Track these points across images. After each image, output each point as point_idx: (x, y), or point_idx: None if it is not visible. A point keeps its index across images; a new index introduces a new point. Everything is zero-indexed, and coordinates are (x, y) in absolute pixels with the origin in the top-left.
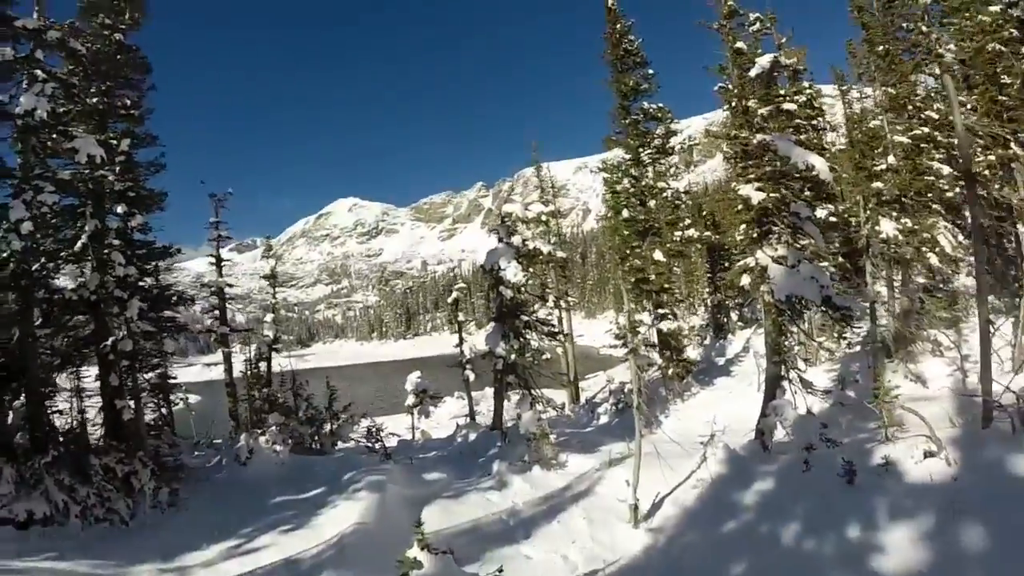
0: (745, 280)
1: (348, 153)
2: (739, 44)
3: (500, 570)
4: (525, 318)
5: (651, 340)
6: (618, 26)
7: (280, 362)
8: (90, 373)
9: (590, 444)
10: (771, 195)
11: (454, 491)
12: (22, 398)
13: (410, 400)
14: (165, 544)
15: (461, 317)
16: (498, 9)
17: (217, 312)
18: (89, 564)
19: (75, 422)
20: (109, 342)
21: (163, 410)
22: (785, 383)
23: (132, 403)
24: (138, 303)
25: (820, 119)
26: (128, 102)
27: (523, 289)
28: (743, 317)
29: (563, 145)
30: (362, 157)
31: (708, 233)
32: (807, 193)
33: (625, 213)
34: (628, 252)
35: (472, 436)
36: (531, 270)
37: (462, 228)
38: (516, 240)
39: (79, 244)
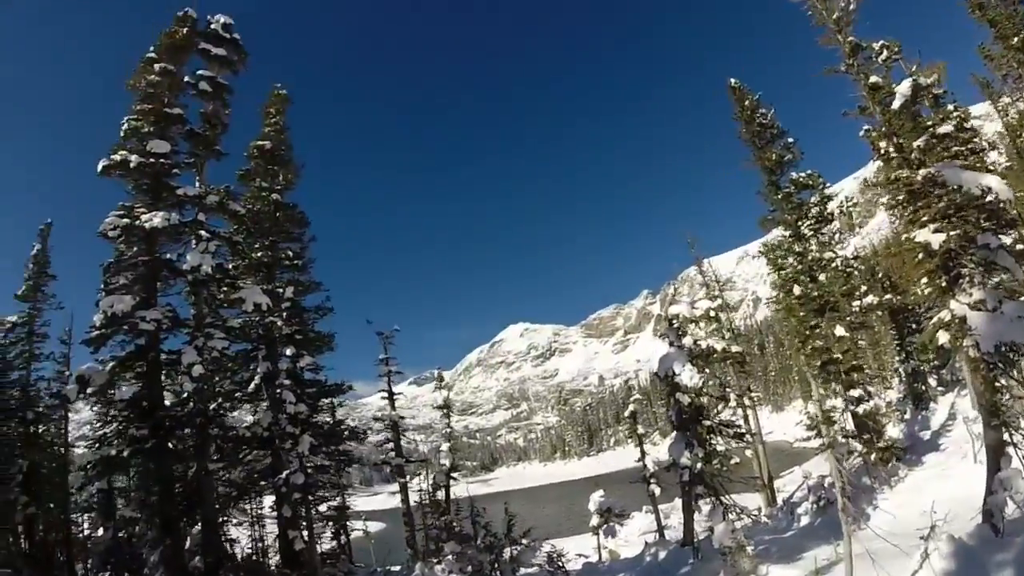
0: (943, 338)
1: (514, 279)
2: (872, 79)
3: None
4: (707, 423)
5: (846, 426)
6: (746, 103)
7: (463, 488)
8: (269, 503)
9: (791, 550)
10: (952, 233)
11: None
12: (198, 526)
13: (594, 520)
14: None
15: (641, 429)
16: (643, 112)
17: (392, 444)
18: None
19: (253, 550)
20: (283, 476)
21: (340, 539)
22: (1010, 449)
23: (305, 533)
24: (309, 439)
25: (977, 140)
26: (291, 253)
27: (701, 392)
28: (943, 381)
29: (722, 237)
30: (528, 281)
31: (888, 296)
32: (986, 224)
33: (796, 290)
34: (807, 333)
35: (662, 554)
36: (707, 371)
37: (633, 339)
38: (687, 341)
39: (252, 385)
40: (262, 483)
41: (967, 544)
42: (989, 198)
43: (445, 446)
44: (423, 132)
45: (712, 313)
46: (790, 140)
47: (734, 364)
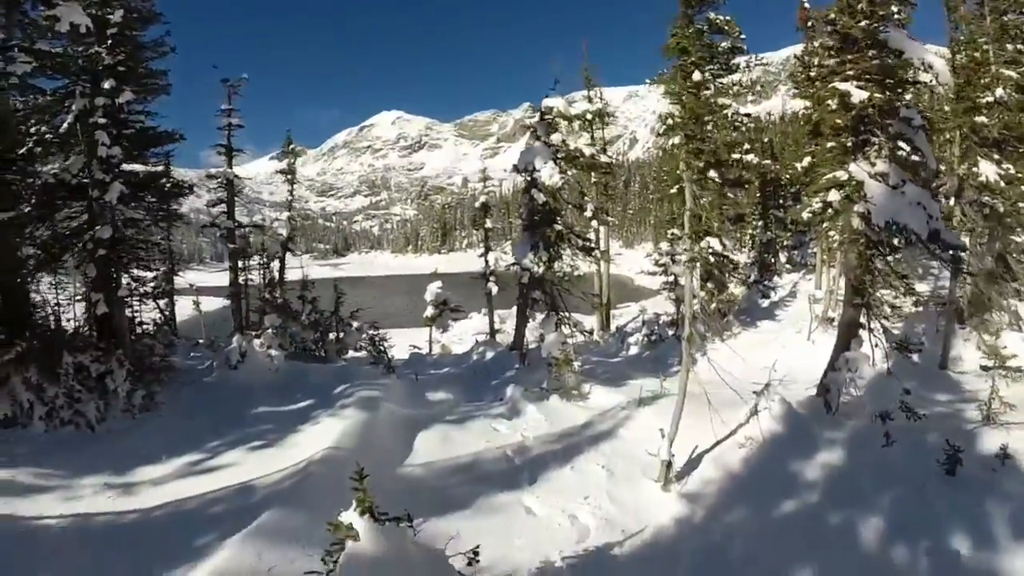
0: (834, 196)
1: (395, 66)
2: None
3: (477, 550)
4: (558, 227)
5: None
6: None
7: (312, 269)
8: None
9: (618, 376)
10: (876, 95)
11: (459, 415)
12: None
13: (428, 311)
14: (125, 453)
15: (489, 224)
16: None
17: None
18: (34, 473)
19: (55, 316)
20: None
21: (164, 311)
22: (864, 333)
23: (108, 298)
24: (120, 186)
25: None
26: None
27: (559, 196)
28: (792, 260)
29: (615, 71)
30: (408, 70)
31: (768, 162)
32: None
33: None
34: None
35: (489, 355)
36: (569, 174)
37: (506, 148)
38: (555, 138)
39: (65, 124)
40: (74, 242)
41: (799, 412)
42: (926, 77)
43: (284, 215)
44: None
45: (588, 116)
46: None
47: (599, 177)
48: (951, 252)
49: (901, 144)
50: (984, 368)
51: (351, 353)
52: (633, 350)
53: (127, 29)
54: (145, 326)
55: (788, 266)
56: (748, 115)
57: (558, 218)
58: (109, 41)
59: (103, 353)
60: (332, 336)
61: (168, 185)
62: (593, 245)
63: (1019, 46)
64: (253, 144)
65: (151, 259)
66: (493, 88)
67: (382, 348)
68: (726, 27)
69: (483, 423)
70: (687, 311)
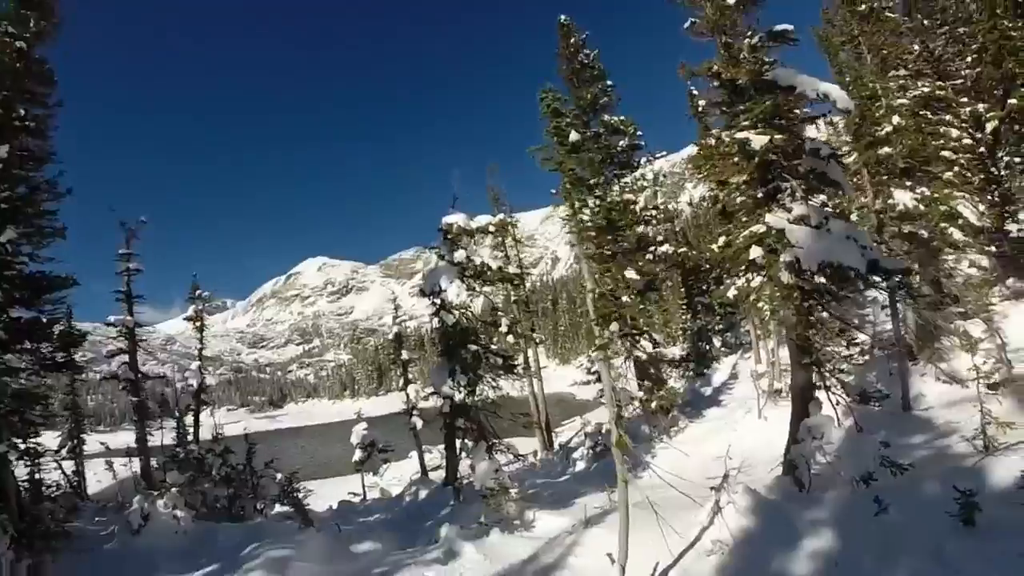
0: (756, 253)
1: (315, 213)
2: None
3: None
4: (474, 348)
5: (628, 375)
6: (572, 40)
7: (246, 423)
8: None
9: (565, 496)
10: (777, 137)
11: (387, 566)
12: None
13: (357, 455)
14: None
15: (405, 355)
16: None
17: (127, 357)
18: None
19: None
20: None
21: (68, 474)
22: (820, 393)
23: None
24: None
25: None
26: (23, 113)
27: (469, 314)
28: (726, 343)
29: (530, 196)
30: (330, 216)
31: (684, 249)
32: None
33: (587, 214)
34: (597, 277)
35: (423, 493)
36: (479, 290)
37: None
38: (459, 255)
39: None
40: None
41: (768, 499)
42: (821, 108)
43: (194, 365)
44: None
45: (491, 228)
46: (609, 84)
47: (513, 290)
48: (897, 279)
49: (814, 181)
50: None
51: (277, 508)
52: (580, 465)
53: (15, 168)
54: (50, 489)
55: (724, 349)
56: (656, 208)
57: (472, 339)
58: None
59: None
60: (247, 492)
61: (55, 332)
62: (516, 362)
63: (902, 72)
64: (180, 298)
65: (44, 416)
66: (416, 224)
67: (297, 500)
68: (621, 126)
69: (415, 573)
70: (609, 412)
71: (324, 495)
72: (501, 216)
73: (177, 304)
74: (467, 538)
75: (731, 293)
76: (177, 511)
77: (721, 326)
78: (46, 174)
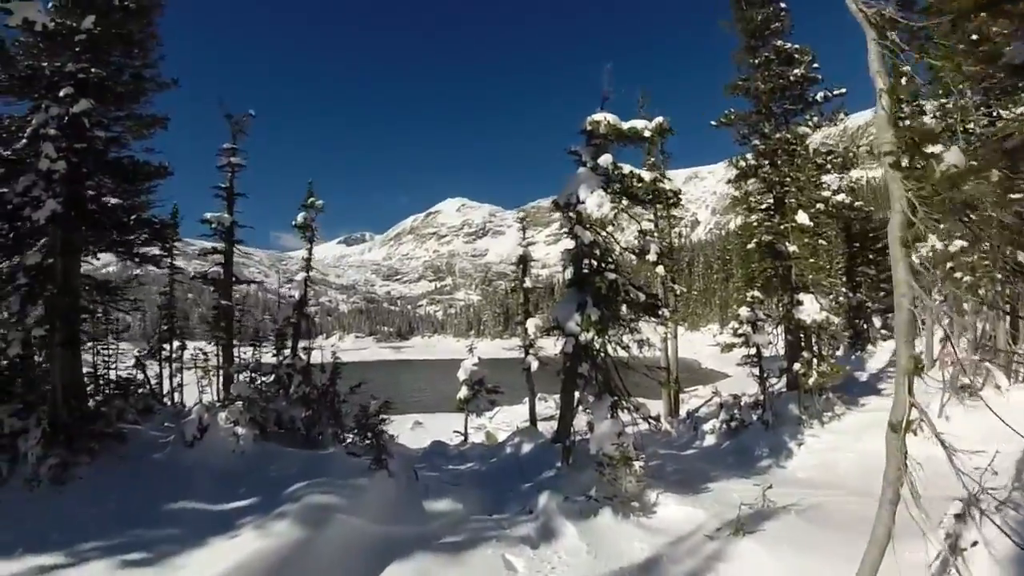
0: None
1: (461, 155)
2: None
3: None
4: (612, 276)
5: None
6: None
7: (374, 351)
8: None
9: (694, 477)
10: None
11: (462, 535)
12: None
13: (462, 392)
14: None
15: (533, 290)
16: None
17: (223, 257)
18: None
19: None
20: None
21: (147, 376)
22: None
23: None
24: (54, 205)
25: None
26: None
27: (611, 236)
28: (887, 326)
29: (677, 155)
30: (475, 159)
31: (860, 203)
32: None
33: (752, 185)
34: (755, 226)
35: (526, 447)
36: (624, 203)
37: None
38: (605, 160)
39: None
40: None
41: None
42: None
43: (299, 276)
44: None
45: (647, 132)
46: (782, 5)
47: (664, 211)
48: None
49: None
50: None
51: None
52: (709, 440)
53: (105, 42)
54: (126, 388)
55: (884, 331)
56: (830, 152)
57: (611, 265)
58: (77, 48)
59: (25, 406)
60: (327, 416)
61: (133, 221)
62: (660, 301)
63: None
64: (323, 228)
65: (123, 308)
66: (556, 176)
67: (374, 431)
68: (796, 54)
69: (494, 552)
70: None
71: (432, 429)
72: (659, 119)
73: (318, 233)
74: (570, 515)
75: (914, 259)
76: (238, 427)
77: (882, 305)
78: (152, 64)
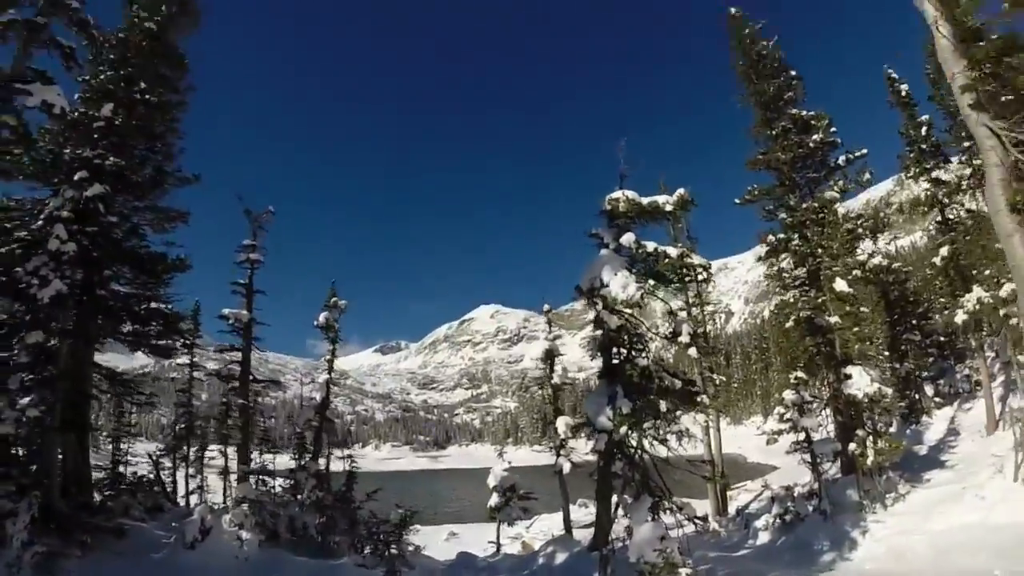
0: None
1: (494, 262)
2: None
3: None
4: (643, 363)
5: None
6: (746, 31)
7: (411, 460)
8: None
9: None
10: None
11: None
12: None
13: (493, 500)
14: None
15: (562, 388)
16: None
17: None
18: None
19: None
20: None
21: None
22: None
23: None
24: (59, 285)
25: None
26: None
27: (637, 318)
28: (939, 392)
29: (704, 246)
30: (507, 266)
31: (898, 264)
32: None
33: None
34: (792, 303)
35: (560, 558)
36: (649, 285)
37: None
38: (627, 239)
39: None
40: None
41: None
42: None
43: (321, 377)
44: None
45: (668, 207)
46: (792, 74)
47: (695, 282)
48: None
49: None
50: None
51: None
52: (763, 537)
53: (126, 133)
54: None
55: (937, 399)
56: (860, 216)
57: (642, 350)
58: (95, 136)
59: (17, 491)
60: (344, 524)
61: (145, 311)
62: (697, 388)
63: None
64: (358, 337)
65: (135, 401)
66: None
67: (386, 544)
68: (813, 121)
69: None
70: None
71: (467, 540)
72: (680, 191)
73: (353, 342)
74: None
75: (960, 316)
76: (243, 532)
77: (930, 372)
78: (175, 161)
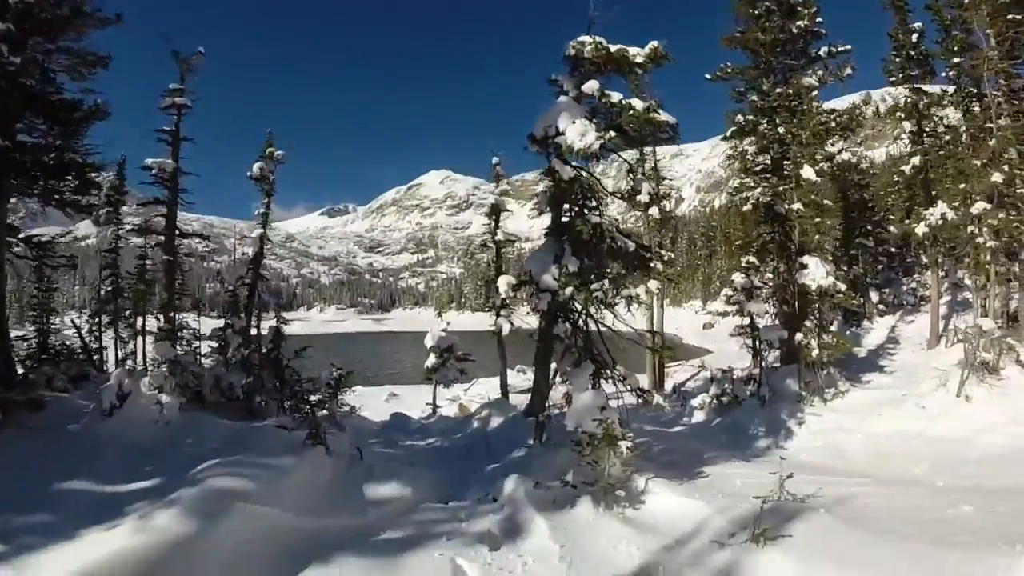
0: None
1: (444, 126)
2: None
3: None
4: (595, 219)
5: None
6: None
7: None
8: None
9: (687, 460)
10: None
11: (406, 530)
12: None
13: (430, 360)
14: None
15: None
16: None
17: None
18: None
19: None
20: None
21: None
22: None
23: None
24: None
25: None
26: None
27: (590, 171)
28: (884, 301)
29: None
30: (458, 131)
31: (865, 165)
32: None
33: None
34: (753, 186)
35: (496, 421)
36: (611, 136)
37: None
38: (590, 88)
39: None
40: None
41: None
42: None
43: (255, 232)
44: None
45: (639, 59)
46: None
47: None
48: None
49: None
50: None
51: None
52: (698, 416)
53: None
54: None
55: (881, 306)
56: (833, 111)
57: (595, 206)
58: None
59: None
60: (271, 384)
61: (54, 161)
62: (651, 253)
63: None
64: (307, 199)
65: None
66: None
67: (306, 402)
68: (799, 6)
69: (443, 555)
70: None
71: (407, 401)
72: (654, 43)
73: (300, 206)
74: (541, 505)
75: (921, 228)
76: (163, 395)
77: (878, 280)
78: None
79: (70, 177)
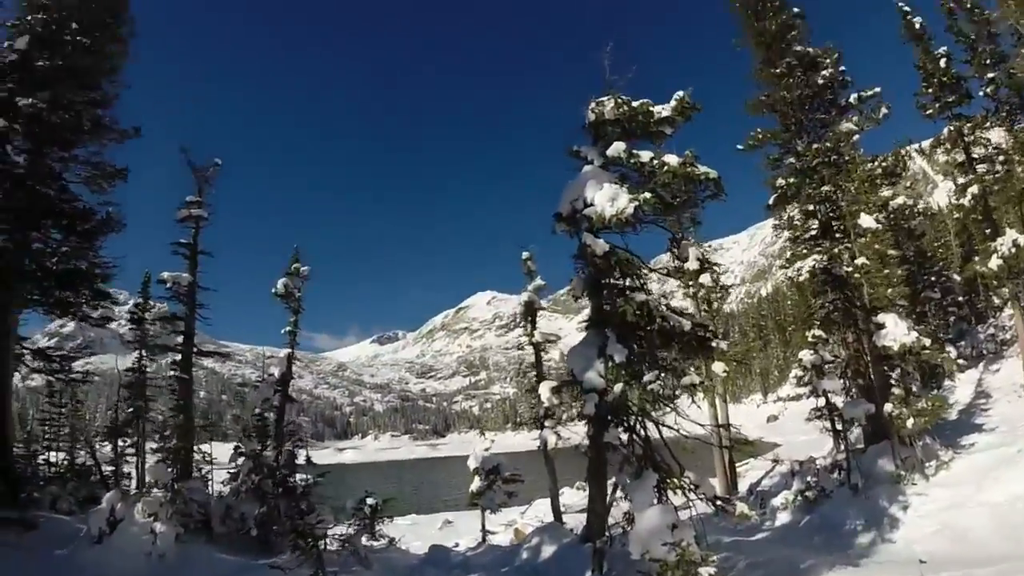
0: None
1: (489, 249)
2: None
3: None
4: (640, 297)
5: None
6: None
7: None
8: None
9: (782, 573)
10: None
11: None
12: None
13: (475, 484)
14: None
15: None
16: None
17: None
18: None
19: None
20: None
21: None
22: None
23: None
24: None
25: None
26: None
27: (626, 247)
28: (961, 355)
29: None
30: (502, 253)
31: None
32: None
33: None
34: (805, 252)
35: (546, 551)
36: (644, 198)
37: None
38: (616, 150)
39: None
40: None
41: None
42: None
43: (281, 352)
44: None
45: (664, 113)
46: (795, 11)
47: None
48: None
49: None
50: None
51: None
52: (782, 517)
53: (52, 77)
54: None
55: (961, 362)
56: (875, 157)
57: (637, 280)
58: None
59: None
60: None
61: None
62: (710, 332)
63: None
64: (355, 329)
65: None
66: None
67: (311, 541)
68: (820, 57)
69: None
70: None
71: (462, 528)
72: (680, 94)
73: (351, 334)
74: None
75: (995, 262)
76: (157, 524)
77: (950, 334)
78: (118, 116)
79: (84, 288)
